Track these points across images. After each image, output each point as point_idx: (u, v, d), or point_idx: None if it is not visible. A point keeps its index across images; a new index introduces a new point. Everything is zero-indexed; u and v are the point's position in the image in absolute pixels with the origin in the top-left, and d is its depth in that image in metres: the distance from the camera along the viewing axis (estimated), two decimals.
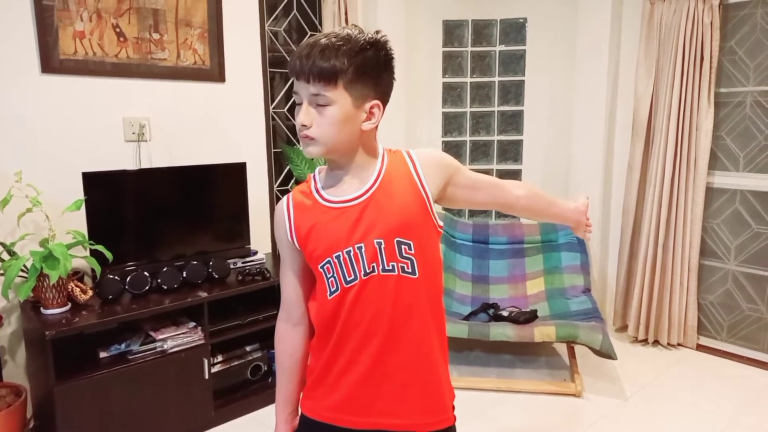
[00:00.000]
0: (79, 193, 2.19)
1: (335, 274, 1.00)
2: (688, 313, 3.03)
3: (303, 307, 1.11)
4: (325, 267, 1.01)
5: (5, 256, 2.07)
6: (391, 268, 0.98)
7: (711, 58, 2.79)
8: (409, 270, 0.99)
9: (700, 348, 3.07)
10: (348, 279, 0.99)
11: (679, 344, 3.09)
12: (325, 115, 0.94)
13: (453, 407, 1.12)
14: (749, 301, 2.94)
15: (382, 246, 0.98)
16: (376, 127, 1.01)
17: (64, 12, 2.24)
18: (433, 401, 1.07)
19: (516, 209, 1.18)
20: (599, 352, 2.48)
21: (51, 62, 2.23)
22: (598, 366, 2.84)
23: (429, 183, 1.02)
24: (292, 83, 0.97)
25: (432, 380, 1.06)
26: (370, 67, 0.95)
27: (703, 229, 3.00)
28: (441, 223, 1.05)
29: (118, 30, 2.39)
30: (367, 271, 0.98)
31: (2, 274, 1.99)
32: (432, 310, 1.04)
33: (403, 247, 0.98)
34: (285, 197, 1.08)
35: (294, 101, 1.00)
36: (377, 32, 0.98)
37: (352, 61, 0.93)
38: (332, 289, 1.01)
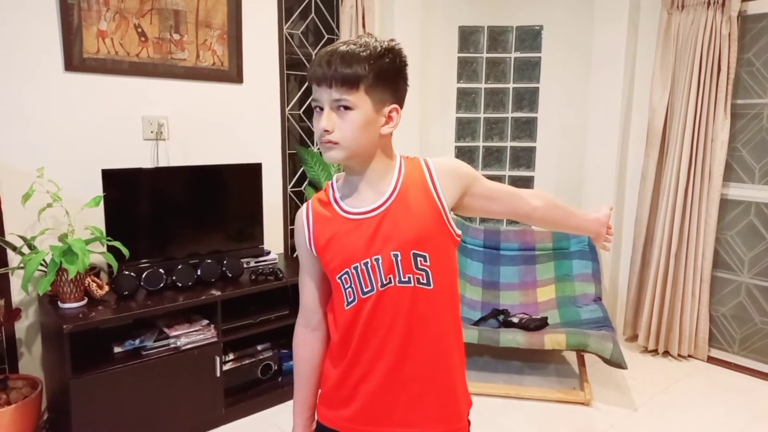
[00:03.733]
0: (98, 190, 2.23)
1: (353, 285, 1.02)
2: (700, 325, 3.02)
3: (321, 312, 1.12)
4: (342, 278, 1.03)
5: (25, 249, 2.11)
6: (407, 279, 1.00)
7: (728, 69, 2.78)
8: (424, 281, 1.00)
9: (711, 360, 3.05)
10: (365, 290, 1.01)
11: (689, 356, 3.07)
12: (347, 120, 0.96)
13: (468, 414, 1.13)
14: (762, 314, 2.92)
15: (399, 258, 0.99)
16: (392, 133, 1.02)
17: (88, 11, 2.28)
18: (448, 410, 1.07)
19: (532, 219, 1.17)
20: (609, 361, 2.48)
21: (74, 60, 2.27)
22: (607, 375, 2.84)
23: (445, 194, 1.02)
24: (310, 90, 0.99)
25: (448, 389, 1.07)
26: (388, 73, 0.98)
27: (717, 241, 2.98)
28: (459, 232, 1.06)
29: (139, 30, 2.42)
30: (384, 282, 1.00)
31: (22, 268, 2.02)
32: (448, 319, 1.05)
33: (419, 259, 1.00)
34: (305, 205, 1.10)
35: (309, 104, 1.02)
36: (391, 40, 1.00)
37: (372, 66, 0.95)
38: (349, 300, 1.03)
